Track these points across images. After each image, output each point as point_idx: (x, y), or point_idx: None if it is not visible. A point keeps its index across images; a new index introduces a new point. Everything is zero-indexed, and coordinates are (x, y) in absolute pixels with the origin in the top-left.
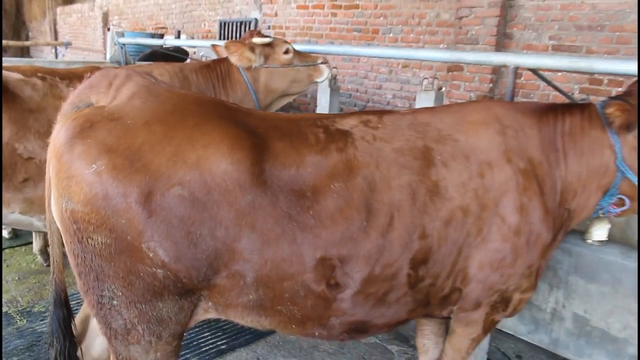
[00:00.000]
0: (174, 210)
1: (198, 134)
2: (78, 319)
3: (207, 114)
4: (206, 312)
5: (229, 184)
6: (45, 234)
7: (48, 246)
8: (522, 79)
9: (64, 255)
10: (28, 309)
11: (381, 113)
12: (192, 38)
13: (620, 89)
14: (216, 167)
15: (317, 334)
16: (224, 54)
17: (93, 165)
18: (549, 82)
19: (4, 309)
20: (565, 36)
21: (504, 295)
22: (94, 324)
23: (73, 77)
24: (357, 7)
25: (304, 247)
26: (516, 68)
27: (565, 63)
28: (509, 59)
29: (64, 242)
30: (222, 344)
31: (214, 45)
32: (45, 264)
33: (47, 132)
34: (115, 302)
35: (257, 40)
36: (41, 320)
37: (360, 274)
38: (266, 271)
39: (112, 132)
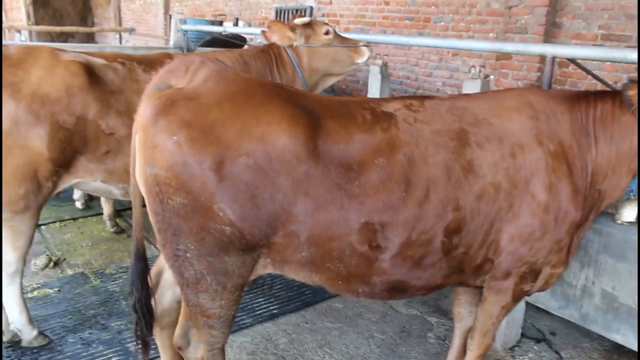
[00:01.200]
0: (240, 176)
1: (262, 112)
2: (152, 272)
3: (269, 95)
4: (265, 267)
5: (287, 155)
6: (112, 203)
7: (116, 215)
8: (570, 68)
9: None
10: (101, 270)
11: (423, 98)
12: (250, 25)
13: None
14: (277, 140)
15: (360, 290)
16: (272, 39)
17: (174, 137)
18: (588, 71)
19: (81, 270)
20: (615, 25)
21: (532, 267)
22: (166, 278)
23: (148, 62)
24: None
25: (350, 213)
26: (553, 58)
27: (600, 53)
28: (546, 49)
29: (147, 203)
30: (274, 309)
31: (263, 32)
32: (112, 230)
33: (126, 111)
34: (188, 254)
35: (297, 20)
36: (112, 281)
37: (398, 238)
38: (317, 232)
39: (189, 109)
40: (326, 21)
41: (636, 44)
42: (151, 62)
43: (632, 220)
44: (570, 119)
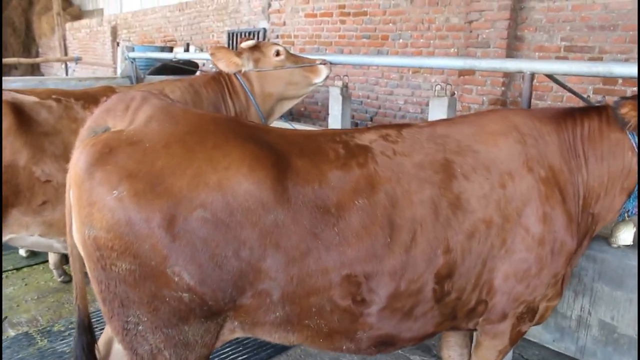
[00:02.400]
0: (197, 233)
1: (218, 155)
2: (101, 341)
3: (225, 134)
4: (232, 332)
5: (251, 203)
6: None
7: (63, 262)
8: (535, 81)
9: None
10: (48, 328)
11: (400, 127)
12: (201, 50)
13: (635, 89)
14: (238, 187)
15: (345, 347)
16: (219, 67)
17: (114, 192)
18: (565, 86)
19: (26, 329)
20: (577, 37)
21: (530, 306)
22: (117, 348)
23: (88, 98)
24: (365, 13)
25: (329, 264)
26: (532, 74)
27: (583, 68)
28: (524, 65)
29: (87, 268)
30: (243, 359)
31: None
32: (59, 279)
33: (63, 155)
34: (140, 327)
35: (244, 44)
36: (61, 340)
37: (385, 290)
38: (292, 288)
39: (131, 156)
40: (280, 43)
41: (600, 56)
42: (91, 98)
43: (628, 244)
44: (558, 140)
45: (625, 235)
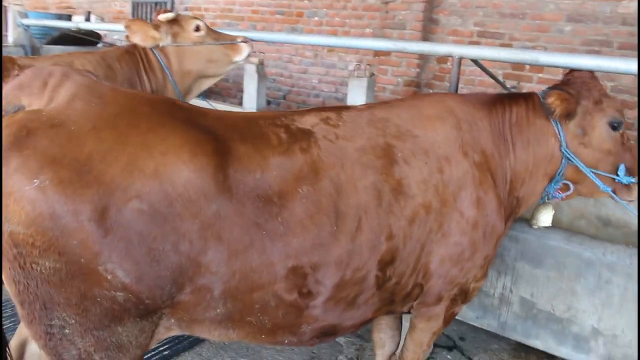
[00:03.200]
0: (132, 226)
1: (154, 140)
2: (13, 345)
3: (160, 116)
4: (168, 330)
5: (192, 193)
6: None
7: None
8: (448, 64)
9: None
10: None
11: (339, 109)
12: (103, 19)
13: (541, 75)
14: (177, 175)
15: (286, 341)
16: (134, 40)
17: (35, 181)
18: (488, 72)
19: None
20: (489, 22)
21: (463, 288)
22: (32, 350)
23: None
24: None
25: (274, 256)
26: (460, 59)
27: (510, 55)
28: (453, 49)
29: (3, 268)
30: (165, 350)
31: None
32: None
33: None
34: (67, 330)
35: (161, 16)
36: None
37: (331, 280)
38: (235, 283)
39: (53, 140)
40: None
41: (510, 42)
42: None
43: (547, 225)
44: (489, 126)
45: (544, 217)
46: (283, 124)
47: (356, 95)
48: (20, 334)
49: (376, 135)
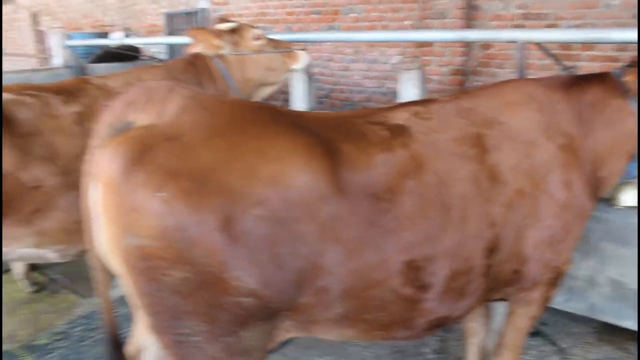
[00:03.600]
0: (255, 232)
1: (266, 146)
2: (129, 353)
3: (265, 122)
4: (287, 332)
5: (308, 196)
6: None
7: (32, 269)
8: (491, 50)
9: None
10: (31, 342)
11: (425, 103)
12: (136, 34)
13: (591, 52)
14: (294, 180)
15: (399, 336)
16: (196, 50)
17: (159, 194)
18: (554, 57)
19: (7, 348)
20: (531, 4)
21: (558, 271)
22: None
23: (65, 92)
24: None
25: (388, 252)
26: (523, 44)
27: (579, 35)
28: (518, 34)
29: (127, 281)
30: None
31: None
32: (29, 290)
33: (51, 157)
34: (196, 338)
35: (222, 26)
36: (48, 354)
37: (443, 271)
38: (352, 282)
39: (172, 153)
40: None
41: (556, 22)
42: (67, 91)
43: (630, 204)
44: (568, 108)
45: (627, 197)
46: (378, 121)
47: (408, 89)
48: (135, 344)
49: (466, 125)
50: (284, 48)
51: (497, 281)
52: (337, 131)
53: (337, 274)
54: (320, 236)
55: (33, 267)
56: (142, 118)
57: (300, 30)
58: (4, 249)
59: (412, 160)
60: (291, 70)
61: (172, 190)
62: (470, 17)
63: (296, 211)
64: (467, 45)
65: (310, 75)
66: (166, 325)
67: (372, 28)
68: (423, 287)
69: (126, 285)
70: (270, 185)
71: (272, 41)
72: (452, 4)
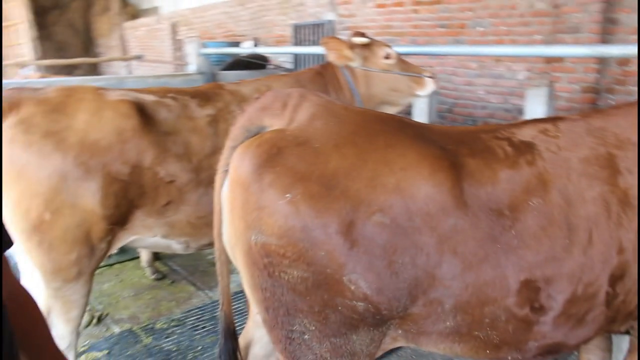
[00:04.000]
0: (375, 239)
1: (393, 156)
2: (240, 346)
3: (393, 133)
4: (394, 340)
5: (431, 207)
6: None
7: (156, 259)
8: (631, 65)
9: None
10: (150, 325)
11: (554, 120)
12: (265, 44)
13: None
14: (418, 190)
15: (509, 358)
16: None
17: (287, 195)
18: None
19: (129, 326)
20: None
21: None
22: (255, 353)
23: (201, 95)
24: (440, 1)
25: (507, 270)
26: None
27: None
28: None
29: (247, 275)
30: None
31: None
32: (152, 277)
33: (185, 155)
34: (306, 336)
35: (356, 39)
36: (166, 338)
37: (563, 295)
38: (466, 297)
39: (301, 157)
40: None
41: None
42: (204, 95)
43: None
44: None
45: None
46: (504, 137)
47: (535, 106)
48: (245, 337)
49: (597, 144)
50: (412, 72)
51: (621, 312)
52: (463, 145)
53: (452, 287)
54: (438, 247)
55: (156, 257)
56: (275, 123)
57: (426, 43)
58: (136, 237)
59: (537, 178)
60: (416, 95)
61: (298, 193)
62: (607, 31)
63: (417, 221)
64: (602, 61)
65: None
66: (279, 321)
67: (499, 42)
68: (540, 309)
69: (245, 279)
70: (394, 194)
71: (402, 62)
72: (587, 17)
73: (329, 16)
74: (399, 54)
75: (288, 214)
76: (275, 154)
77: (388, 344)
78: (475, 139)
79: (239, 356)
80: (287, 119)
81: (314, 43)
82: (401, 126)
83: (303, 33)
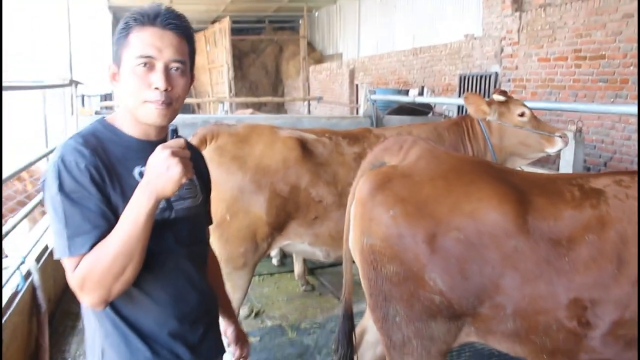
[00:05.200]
0: (451, 250)
1: (473, 189)
2: (357, 332)
3: (479, 173)
4: (468, 335)
5: (497, 231)
6: (303, 262)
7: (306, 273)
8: None
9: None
10: (296, 324)
11: (633, 173)
12: (433, 91)
13: None
14: (487, 217)
15: None
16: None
17: (390, 211)
18: None
19: (279, 322)
20: None
21: None
22: (367, 339)
23: (351, 137)
24: (603, 57)
25: (558, 288)
26: None
27: None
28: None
29: (360, 269)
30: None
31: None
32: (302, 288)
33: (333, 182)
34: (397, 318)
35: (495, 96)
36: (307, 335)
37: (610, 316)
38: (524, 305)
39: (404, 186)
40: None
41: None
42: (354, 137)
43: None
44: None
45: None
46: (578, 183)
47: None
48: (362, 325)
49: None
50: (543, 130)
51: None
52: (536, 187)
53: (512, 295)
54: (502, 262)
55: (310, 272)
56: (392, 160)
57: (585, 97)
58: (289, 242)
59: (597, 218)
60: (545, 152)
61: (398, 210)
62: None
63: (485, 240)
64: None
65: (578, 141)
66: (379, 305)
67: None
68: (587, 325)
69: (360, 272)
70: (468, 217)
71: (535, 121)
72: None
73: (494, 68)
74: (533, 113)
75: (389, 225)
76: (386, 182)
77: (463, 338)
78: (549, 183)
79: (353, 337)
80: (400, 157)
81: (480, 92)
82: (486, 169)
83: (469, 83)
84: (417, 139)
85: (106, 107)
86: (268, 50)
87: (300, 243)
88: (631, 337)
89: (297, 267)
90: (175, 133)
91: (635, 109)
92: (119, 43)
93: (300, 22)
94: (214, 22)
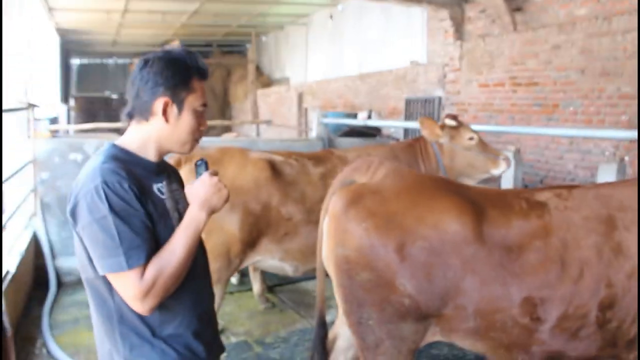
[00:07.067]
0: (418, 257)
1: (435, 203)
2: (329, 338)
3: (439, 189)
4: (434, 335)
5: (457, 239)
6: (261, 280)
7: (265, 291)
8: None
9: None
10: (261, 339)
11: (570, 187)
12: (380, 115)
13: None
14: (449, 227)
15: (520, 359)
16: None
17: (363, 224)
18: None
19: (244, 338)
20: None
21: None
22: (339, 344)
23: (315, 158)
24: (536, 84)
25: (512, 289)
26: None
27: None
28: None
29: (334, 278)
30: None
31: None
32: (262, 306)
33: (301, 200)
34: (370, 322)
35: (448, 121)
36: (273, 349)
37: (556, 311)
38: (483, 305)
39: (374, 201)
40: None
41: None
42: (318, 158)
43: None
44: None
45: None
46: (524, 197)
47: (605, 179)
48: (334, 332)
49: (600, 207)
50: (489, 153)
51: (620, 338)
52: (489, 200)
53: (472, 296)
54: (462, 267)
55: (270, 289)
56: (360, 178)
57: (522, 120)
58: (260, 257)
59: (542, 227)
60: (490, 173)
61: (370, 223)
62: None
63: (447, 247)
64: None
65: (518, 161)
66: (353, 310)
67: (588, 122)
68: (537, 320)
69: (334, 281)
70: (432, 228)
71: (482, 145)
72: None
73: (438, 92)
74: (481, 138)
75: (362, 236)
76: (357, 198)
77: (429, 338)
78: (501, 197)
79: (326, 342)
80: (368, 176)
81: (423, 116)
82: (445, 185)
83: (414, 107)
84: (382, 159)
85: (55, 131)
86: (216, 73)
87: (270, 259)
88: (575, 329)
89: (256, 286)
90: (206, 164)
91: (566, 132)
92: (178, 86)
93: (249, 46)
94: (163, 45)
